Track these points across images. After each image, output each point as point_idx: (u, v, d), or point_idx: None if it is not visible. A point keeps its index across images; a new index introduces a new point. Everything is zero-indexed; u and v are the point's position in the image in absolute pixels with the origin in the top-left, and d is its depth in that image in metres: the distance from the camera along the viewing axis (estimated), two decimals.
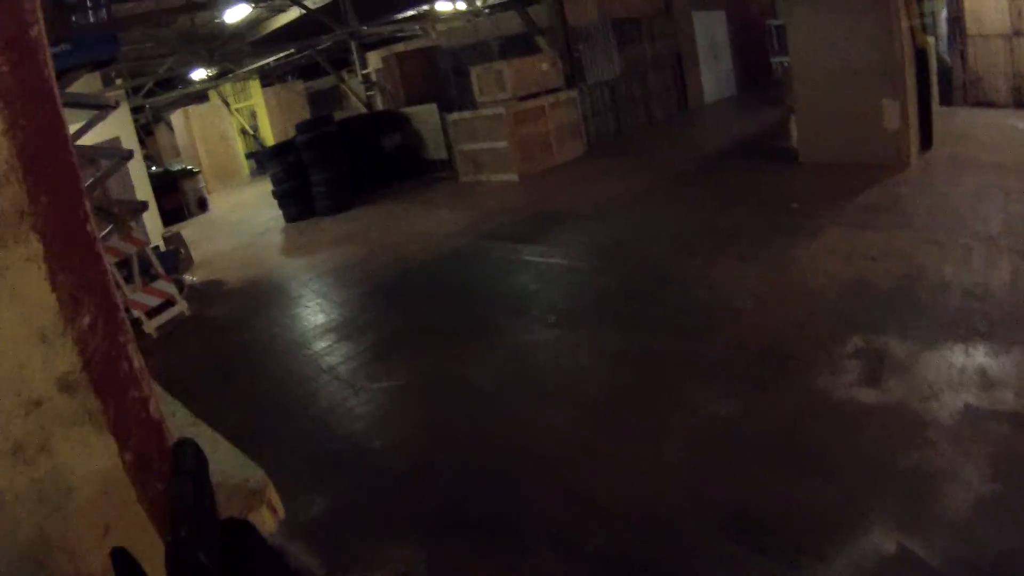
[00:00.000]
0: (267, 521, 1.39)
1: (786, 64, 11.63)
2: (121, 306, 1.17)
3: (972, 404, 4.16)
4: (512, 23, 17.18)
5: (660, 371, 5.21)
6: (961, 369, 4.55)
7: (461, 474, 4.42)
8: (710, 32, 19.16)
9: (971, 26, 14.93)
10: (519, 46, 16.28)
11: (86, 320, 1.14)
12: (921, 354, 4.79)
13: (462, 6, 24.20)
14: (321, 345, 7.25)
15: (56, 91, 1.08)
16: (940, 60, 13.78)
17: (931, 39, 11.27)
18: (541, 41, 15.78)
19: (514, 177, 13.33)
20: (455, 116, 14.38)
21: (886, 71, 9.65)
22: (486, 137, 13.58)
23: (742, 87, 20.54)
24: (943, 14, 14.53)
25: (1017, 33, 14.54)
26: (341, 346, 7.11)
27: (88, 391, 1.15)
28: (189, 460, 0.99)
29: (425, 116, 16.00)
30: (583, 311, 6.81)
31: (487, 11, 23.40)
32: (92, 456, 1.16)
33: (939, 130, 10.98)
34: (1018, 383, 4.33)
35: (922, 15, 10.55)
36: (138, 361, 1.20)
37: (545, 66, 14.19)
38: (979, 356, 4.67)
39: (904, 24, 9.71)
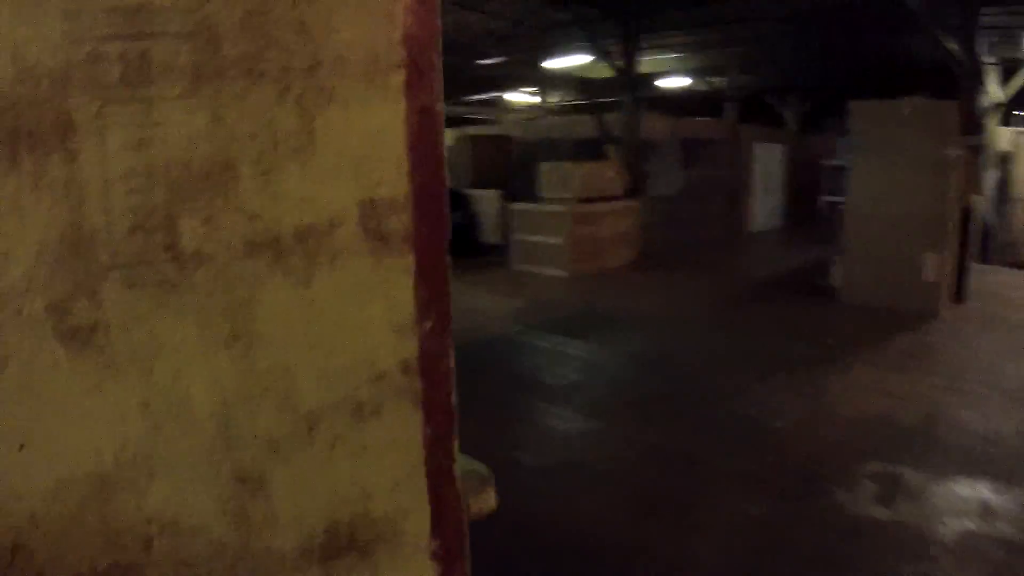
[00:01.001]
0: (491, 501, 1.88)
1: (836, 204, 12.24)
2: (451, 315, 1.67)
3: (972, 529, 4.67)
4: (585, 126, 18.03)
5: (698, 472, 5.60)
6: (966, 500, 5.07)
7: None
8: (768, 164, 19.96)
9: (1016, 190, 15.70)
10: (588, 149, 17.05)
11: (429, 324, 1.59)
12: (931, 483, 5.30)
13: (535, 99, 25.33)
14: None
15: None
16: (983, 220, 14.48)
17: (977, 198, 11.95)
18: (611, 149, 16.60)
19: (564, 273, 13.90)
20: (519, 206, 15.00)
21: (933, 225, 10.32)
22: (545, 231, 14.18)
23: (789, 221, 21.24)
24: (992, 175, 15.31)
25: None
26: None
27: (416, 376, 1.60)
28: None
29: (488, 200, 16.70)
30: (626, 408, 7.14)
31: (558, 109, 24.47)
32: (405, 425, 1.60)
33: (974, 287, 11.61)
34: (1016, 516, 4.87)
35: (975, 176, 11.27)
36: (452, 361, 1.67)
37: (611, 173, 14.94)
38: (983, 491, 5.20)
39: (955, 183, 10.38)
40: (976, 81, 11.81)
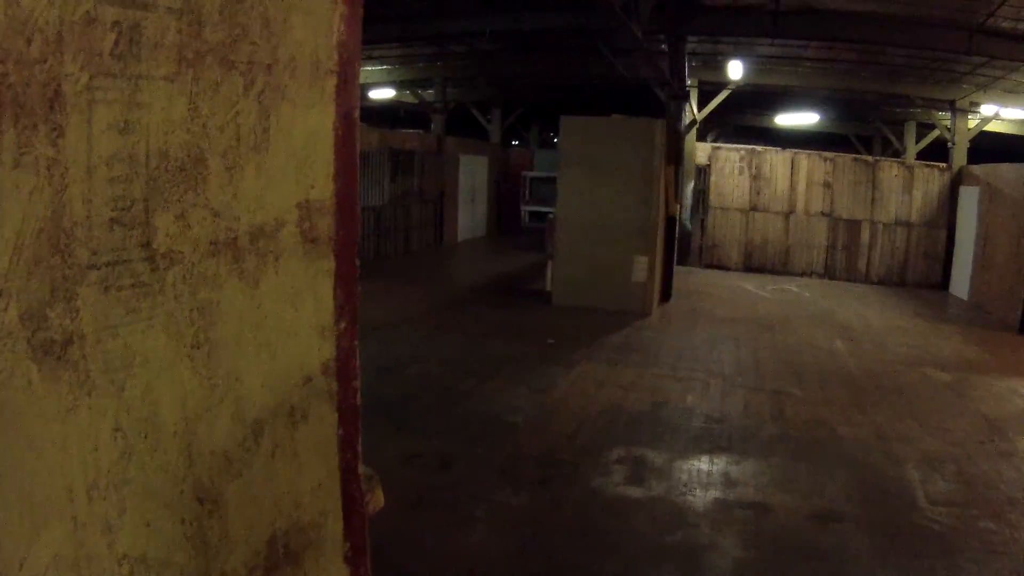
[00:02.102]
0: (380, 499, 1.88)
1: (541, 213, 12.96)
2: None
3: (720, 497, 5.26)
4: None
5: (455, 470, 5.67)
6: (708, 473, 5.68)
7: None
8: (472, 175, 20.66)
9: (714, 199, 17.76)
10: None
11: (344, 325, 1.63)
12: (675, 462, 5.86)
13: None
14: None
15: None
16: (683, 225, 16.10)
17: (678, 206, 13.25)
18: None
19: None
20: None
21: (641, 231, 11.28)
22: None
23: (493, 230, 22.14)
24: (691, 186, 17.11)
25: (754, 208, 17.48)
26: None
27: (333, 377, 1.63)
28: None
29: None
30: (371, 415, 7.01)
31: None
32: (325, 427, 1.63)
33: (678, 286, 12.92)
34: (754, 482, 5.56)
35: (676, 186, 12.46)
36: (358, 360, 1.72)
37: None
38: (722, 464, 5.87)
39: (660, 193, 11.41)
40: (680, 101, 13.04)
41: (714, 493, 5.33)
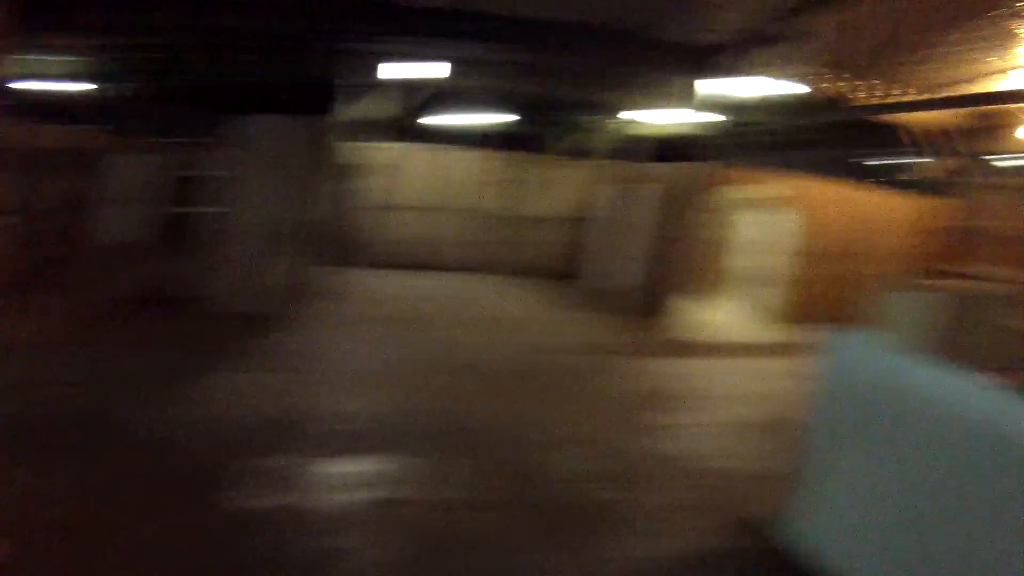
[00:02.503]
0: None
1: (198, 214, 12.51)
2: None
3: (362, 497, 5.66)
4: None
5: (99, 497, 5.31)
6: (349, 473, 6.09)
7: None
8: (130, 175, 19.39)
9: (368, 198, 18.23)
10: None
11: None
12: (318, 465, 6.17)
13: None
14: None
15: None
16: (334, 225, 16.36)
17: (333, 207, 13.47)
18: None
19: None
20: None
21: (295, 232, 11.51)
22: None
23: (149, 233, 20.96)
24: (345, 185, 17.37)
25: (409, 207, 18.19)
26: None
27: None
28: None
29: None
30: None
31: None
32: None
33: (328, 286, 13.33)
34: (396, 478, 6.04)
35: (333, 185, 12.68)
36: None
37: None
38: (362, 463, 6.31)
39: (317, 193, 11.72)
40: (343, 101, 13.21)
41: (356, 494, 5.68)
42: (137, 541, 4.77)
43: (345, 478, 6.03)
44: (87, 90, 20.86)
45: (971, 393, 4.31)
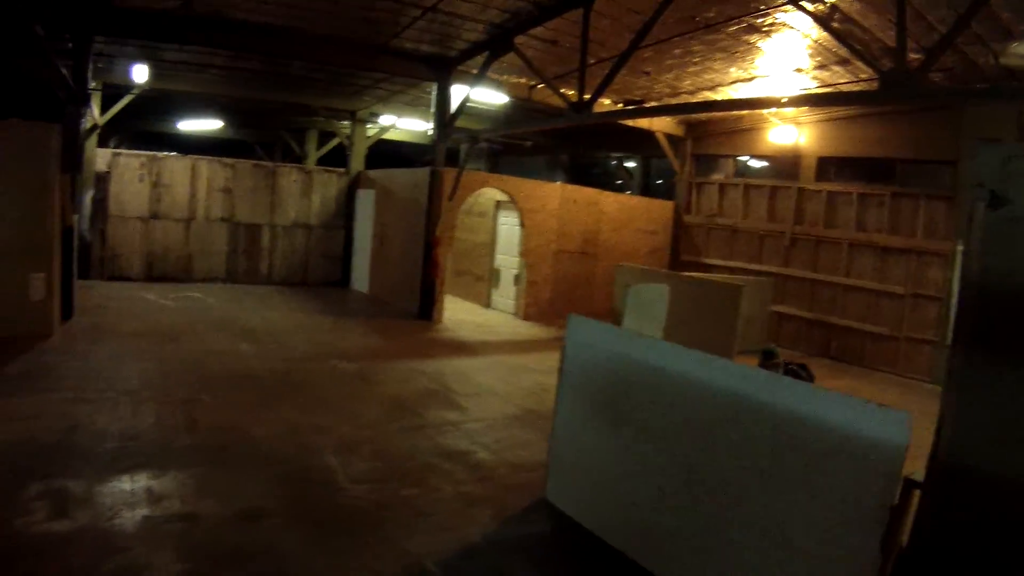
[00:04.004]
0: None
1: None
2: None
3: (149, 514, 5.37)
4: None
5: None
6: (132, 492, 5.73)
7: None
8: None
9: (114, 208, 17.24)
10: None
11: None
12: (96, 487, 5.77)
13: None
14: None
15: None
16: (81, 237, 15.29)
17: (76, 216, 12.58)
18: None
19: None
20: None
21: (36, 246, 10.61)
22: None
23: None
24: (89, 194, 16.28)
25: (155, 217, 17.25)
26: None
27: None
28: None
29: None
30: None
31: None
32: None
33: (80, 301, 12.37)
34: (178, 494, 5.78)
35: (73, 196, 11.81)
36: None
37: None
38: (143, 481, 5.97)
39: (56, 203, 10.76)
40: (82, 105, 12.25)
41: (141, 511, 5.41)
42: None
43: (126, 496, 5.68)
44: None
45: (688, 363, 5.07)
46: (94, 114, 16.30)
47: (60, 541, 4.92)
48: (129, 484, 5.87)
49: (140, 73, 15.62)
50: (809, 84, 13.02)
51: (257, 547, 5.08)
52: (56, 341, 10.55)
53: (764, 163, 18.27)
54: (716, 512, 4.78)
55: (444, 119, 14.94)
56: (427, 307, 15.04)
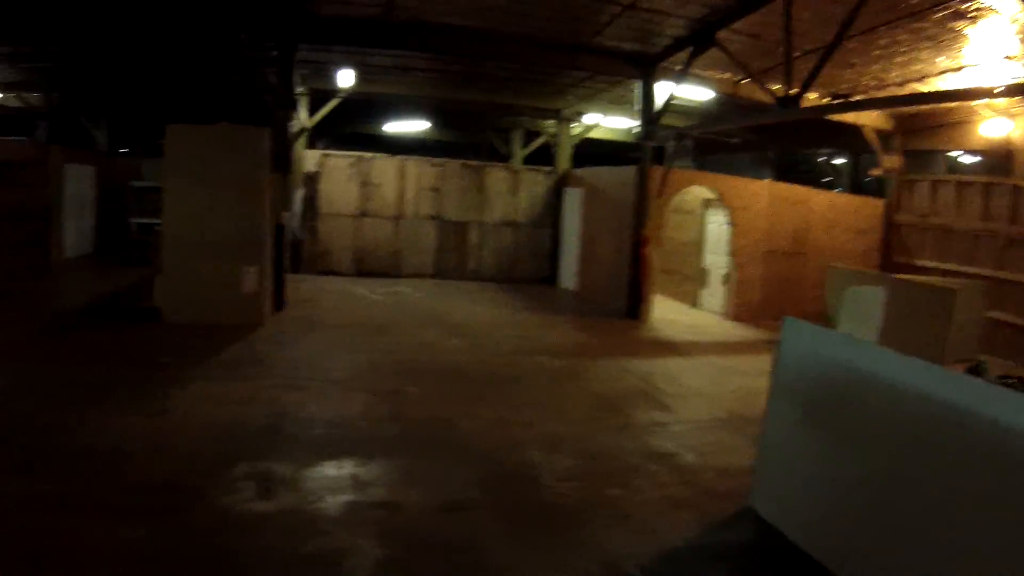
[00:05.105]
0: None
1: (149, 225, 12.16)
2: None
3: (352, 500, 5.42)
4: None
5: (67, 514, 5.07)
6: (336, 478, 5.82)
7: None
8: (79, 187, 19.06)
9: (324, 206, 18.01)
10: None
11: None
12: (301, 471, 5.90)
13: None
14: None
15: None
16: (293, 233, 16.10)
17: (288, 214, 13.24)
18: None
19: None
20: None
21: (249, 241, 11.17)
22: None
23: (102, 245, 20.59)
24: (300, 193, 17.12)
25: (364, 214, 17.94)
26: None
27: None
28: None
29: None
30: None
31: None
32: None
33: (290, 294, 12.89)
34: (383, 482, 5.83)
35: (283, 194, 12.45)
36: None
37: None
38: (349, 467, 6.05)
39: (268, 202, 11.34)
40: (289, 109, 12.95)
41: (345, 497, 5.47)
42: (123, 546, 4.62)
43: (331, 482, 5.79)
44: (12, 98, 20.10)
45: (912, 373, 4.57)
46: (302, 118, 17.15)
47: (263, 520, 5.04)
48: (334, 470, 5.97)
49: (346, 78, 16.22)
50: (1021, 73, 11.84)
51: (458, 539, 5.02)
52: (267, 331, 11.03)
53: (976, 158, 16.72)
54: (932, 535, 4.28)
55: (649, 116, 14.58)
56: (635, 305, 14.74)
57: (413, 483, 5.87)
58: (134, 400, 7.56)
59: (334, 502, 5.38)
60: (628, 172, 15.49)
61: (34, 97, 20.35)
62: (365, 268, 18.65)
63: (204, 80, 17.59)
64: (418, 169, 19.07)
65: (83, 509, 5.13)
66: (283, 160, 12.63)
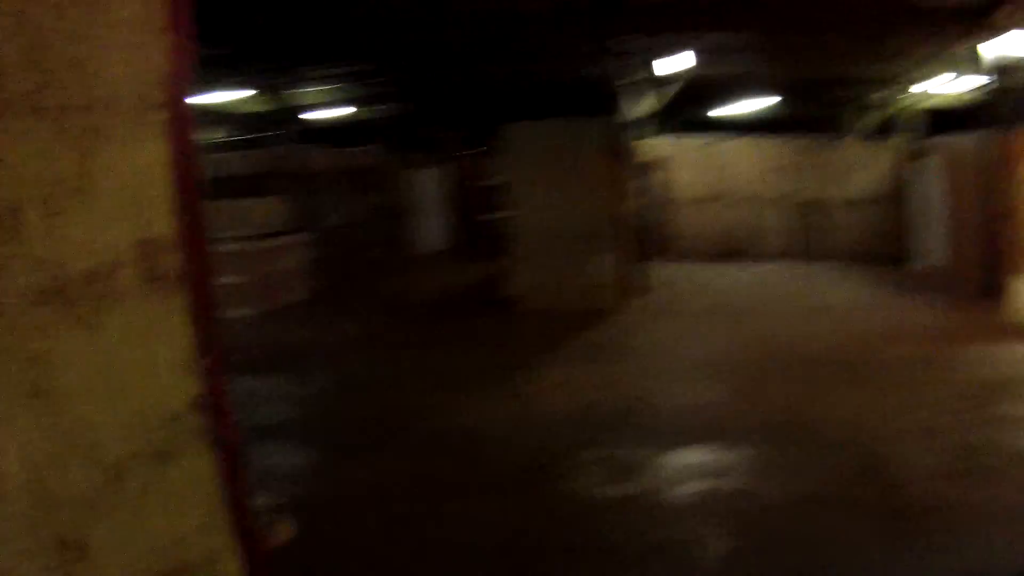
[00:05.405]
0: (287, 530, 1.91)
1: (500, 220, 12.78)
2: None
3: (702, 490, 5.16)
4: (249, 162, 17.47)
5: (428, 491, 5.41)
6: (691, 465, 5.61)
7: None
8: (430, 188, 20.59)
9: (677, 192, 17.80)
10: (252, 186, 16.60)
11: (208, 361, 1.59)
12: (655, 457, 5.76)
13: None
14: None
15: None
16: (649, 220, 16.10)
17: (641, 202, 13.22)
18: (275, 183, 16.34)
19: (250, 312, 13.40)
20: None
21: (601, 230, 11.19)
22: (223, 271, 13.58)
23: (455, 240, 22.07)
24: (653, 180, 17.09)
25: (717, 198, 17.56)
26: None
27: (204, 414, 1.59)
28: None
29: None
30: (344, 438, 6.77)
31: (219, 145, 23.65)
32: (202, 465, 1.59)
33: (647, 281, 12.86)
34: (737, 470, 5.48)
35: (634, 181, 12.44)
36: (231, 397, 1.67)
37: (278, 208, 14.72)
38: (701, 456, 5.78)
39: (618, 190, 11.38)
40: (627, 97, 13.00)
41: (696, 485, 5.24)
42: (474, 529, 4.79)
43: (684, 469, 5.62)
44: (357, 113, 22.11)
45: None
46: (644, 105, 17.11)
47: (612, 506, 4.98)
48: (686, 458, 5.78)
49: (685, 61, 15.93)
50: None
51: (811, 535, 4.60)
52: (622, 318, 11.05)
53: None
54: None
55: (986, 76, 12.89)
56: (993, 285, 13.06)
57: (768, 474, 5.51)
58: (491, 386, 7.96)
59: (685, 490, 5.19)
60: (967, 139, 13.82)
61: (378, 109, 22.20)
62: (719, 252, 18.16)
63: (539, 76, 18.13)
64: (765, 149, 18.38)
65: (438, 489, 5.43)
66: (627, 149, 12.65)
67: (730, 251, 18.12)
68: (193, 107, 1.53)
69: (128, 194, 1.40)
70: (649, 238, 16.96)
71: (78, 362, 1.31)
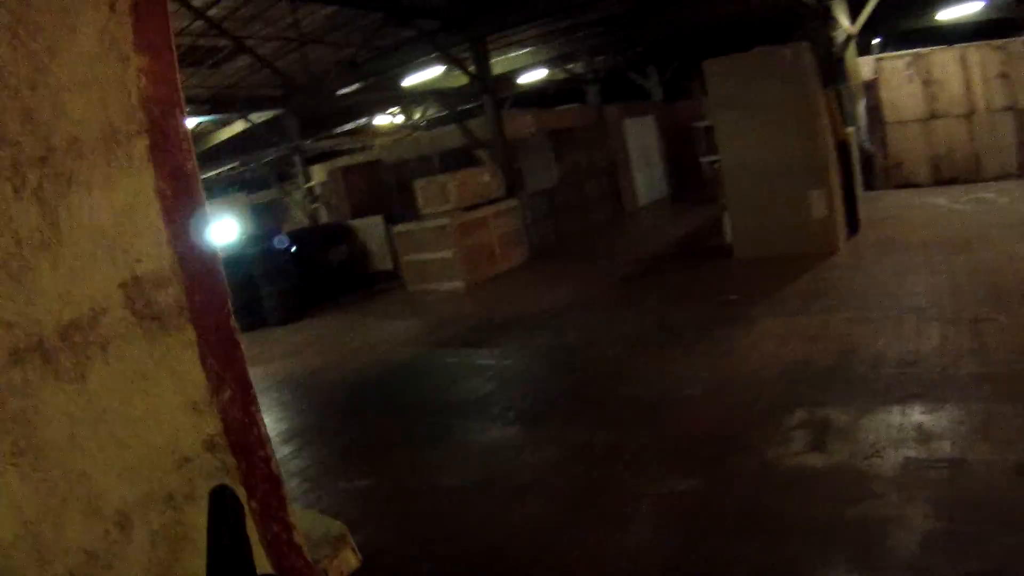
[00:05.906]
0: (350, 560, 1.74)
1: (715, 164, 12.27)
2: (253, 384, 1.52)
3: (912, 456, 4.58)
4: (452, 137, 17.90)
5: (624, 459, 5.41)
6: (900, 427, 4.99)
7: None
8: (641, 138, 20.11)
9: (889, 114, 16.24)
10: (459, 159, 16.96)
11: (227, 395, 1.49)
12: (861, 419, 5.22)
13: (399, 119, 25.20)
14: (286, 450, 7.14)
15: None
16: (861, 148, 14.86)
17: (851, 129, 12.19)
18: (482, 154, 16.51)
19: (460, 285, 13.71)
20: (400, 228, 14.73)
21: (811, 164, 10.41)
22: (432, 247, 13.95)
23: (674, 188, 21.51)
24: (862, 104, 15.75)
25: (932, 117, 15.90)
26: (306, 451, 7.11)
27: (227, 451, 1.50)
28: (228, 507, 1.08)
29: (371, 228, 16.45)
30: (541, 410, 6.91)
31: (424, 125, 24.36)
32: None
33: (865, 215, 11.86)
34: (952, 434, 4.79)
35: (842, 108, 11.45)
36: (263, 429, 1.55)
37: (486, 177, 14.83)
38: (915, 415, 5.14)
39: (825, 119, 10.53)
40: (825, 19, 11.99)
41: (904, 452, 4.65)
42: (664, 499, 4.74)
43: (891, 432, 4.98)
44: (562, 72, 22.01)
45: None
46: (843, 25, 15.73)
47: (809, 478, 4.58)
48: (898, 418, 5.14)
49: None
50: None
51: None
52: (840, 257, 10.34)
53: None
54: None
55: None
56: None
57: (987, 436, 4.74)
58: (699, 342, 7.78)
59: (890, 458, 4.61)
60: None
61: (577, 66, 21.85)
62: (941, 175, 16.43)
63: (731, 8, 17.25)
64: (980, 56, 16.26)
65: (635, 454, 5.42)
66: (832, 73, 11.70)
67: (955, 173, 16.30)
68: (184, 124, 1.43)
69: (106, 235, 1.34)
70: (869, 167, 15.70)
71: (63, 416, 1.27)
